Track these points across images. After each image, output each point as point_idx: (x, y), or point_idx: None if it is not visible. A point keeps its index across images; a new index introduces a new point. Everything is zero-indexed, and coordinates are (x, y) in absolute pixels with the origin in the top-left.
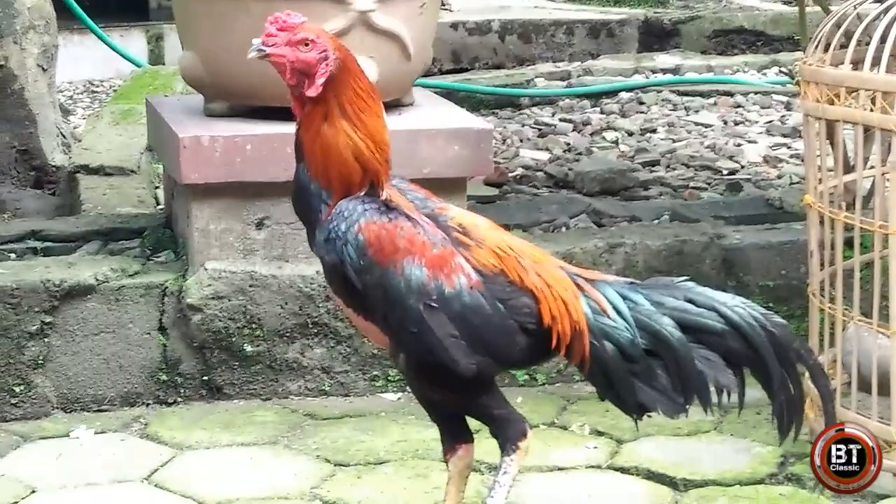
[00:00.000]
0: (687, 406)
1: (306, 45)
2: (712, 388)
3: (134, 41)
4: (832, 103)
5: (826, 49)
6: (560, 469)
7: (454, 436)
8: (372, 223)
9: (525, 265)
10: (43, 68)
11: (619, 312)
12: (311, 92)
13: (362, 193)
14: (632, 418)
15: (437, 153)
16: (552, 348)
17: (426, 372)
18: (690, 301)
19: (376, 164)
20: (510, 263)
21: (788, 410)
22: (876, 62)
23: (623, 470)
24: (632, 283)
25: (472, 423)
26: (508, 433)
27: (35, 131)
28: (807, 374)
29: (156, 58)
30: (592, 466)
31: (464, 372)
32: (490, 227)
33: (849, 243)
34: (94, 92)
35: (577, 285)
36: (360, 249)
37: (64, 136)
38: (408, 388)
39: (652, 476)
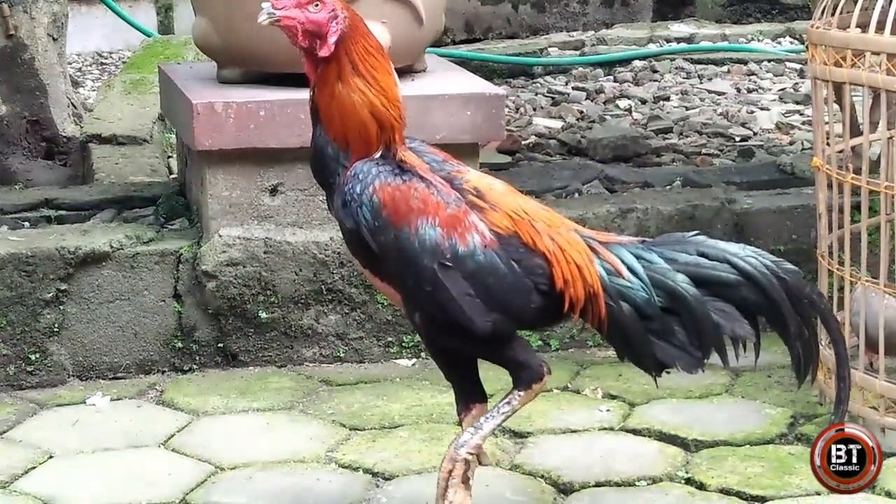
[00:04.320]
0: (705, 360)
1: (315, 5)
2: (729, 340)
3: (143, 11)
4: (839, 66)
5: (834, 12)
6: (573, 431)
7: (468, 396)
8: (386, 184)
9: (539, 228)
10: (53, 38)
11: (633, 272)
12: (324, 52)
13: (377, 155)
14: (651, 376)
15: (449, 119)
16: (566, 311)
17: (443, 330)
18: (703, 255)
19: (392, 120)
20: (524, 227)
21: (805, 356)
22: (881, 25)
23: (635, 432)
24: (644, 241)
25: (486, 385)
26: (524, 376)
27: (46, 101)
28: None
29: (165, 28)
30: (605, 428)
31: (480, 330)
32: (506, 191)
33: (857, 207)
34: (103, 63)
35: (592, 248)
36: (374, 211)
37: (75, 107)
38: (422, 353)
39: (664, 437)
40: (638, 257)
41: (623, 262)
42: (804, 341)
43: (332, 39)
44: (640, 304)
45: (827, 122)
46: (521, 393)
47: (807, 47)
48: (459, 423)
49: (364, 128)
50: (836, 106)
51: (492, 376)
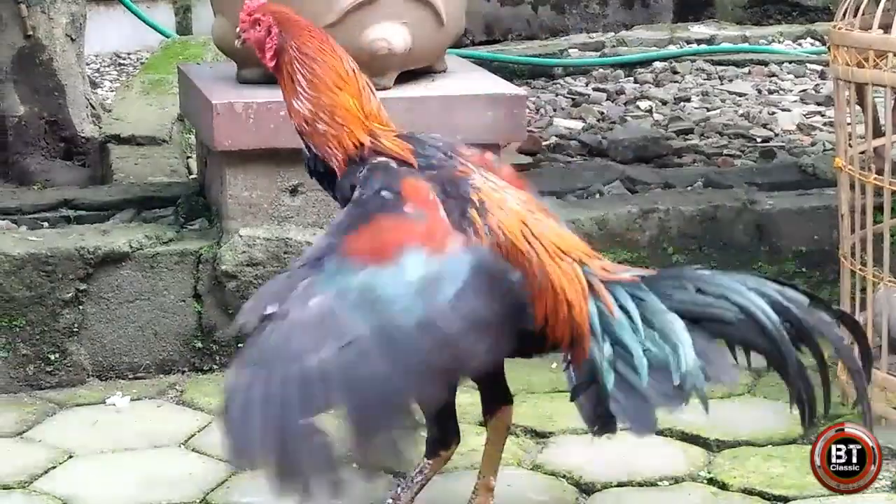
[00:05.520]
0: (680, 405)
1: (258, 24)
2: (712, 382)
3: (161, 13)
4: (861, 67)
5: (856, 13)
6: None
7: (494, 398)
8: (353, 240)
9: (535, 261)
10: (71, 38)
11: (626, 313)
12: (269, 66)
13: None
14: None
15: (470, 119)
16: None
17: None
18: (700, 291)
19: (338, 130)
20: (516, 258)
21: (808, 398)
22: None
23: (657, 432)
24: (643, 277)
25: (511, 385)
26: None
27: (64, 102)
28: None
29: (183, 29)
30: (626, 429)
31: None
32: (514, 212)
33: (880, 208)
34: (121, 64)
35: (590, 284)
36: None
37: (93, 107)
38: None
39: (686, 437)
40: (633, 296)
41: (617, 301)
42: (805, 383)
43: (268, 55)
44: (629, 346)
45: (849, 123)
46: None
47: (829, 48)
48: (485, 425)
49: (325, 140)
50: (858, 107)
51: (512, 377)
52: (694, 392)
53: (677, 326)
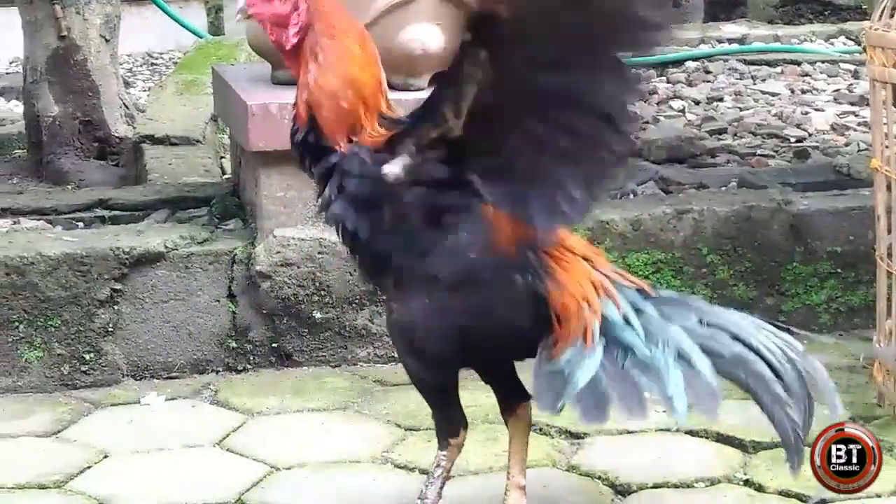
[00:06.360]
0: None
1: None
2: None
3: (193, 13)
4: None
5: (892, 14)
6: (630, 432)
7: (510, 395)
8: None
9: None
10: (105, 39)
11: (626, 320)
12: (287, 44)
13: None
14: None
15: None
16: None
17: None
18: (701, 322)
19: (358, 106)
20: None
21: (796, 445)
22: None
23: (692, 433)
24: (644, 293)
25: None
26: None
27: (98, 102)
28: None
29: (215, 29)
30: (662, 430)
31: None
32: None
33: None
34: (153, 64)
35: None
36: None
37: (127, 108)
38: None
39: (721, 439)
40: (633, 305)
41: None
42: (796, 433)
43: (292, 31)
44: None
45: (885, 124)
46: (445, 452)
47: (864, 49)
48: (505, 424)
49: (343, 113)
50: (894, 108)
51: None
52: (674, 411)
53: (683, 340)
